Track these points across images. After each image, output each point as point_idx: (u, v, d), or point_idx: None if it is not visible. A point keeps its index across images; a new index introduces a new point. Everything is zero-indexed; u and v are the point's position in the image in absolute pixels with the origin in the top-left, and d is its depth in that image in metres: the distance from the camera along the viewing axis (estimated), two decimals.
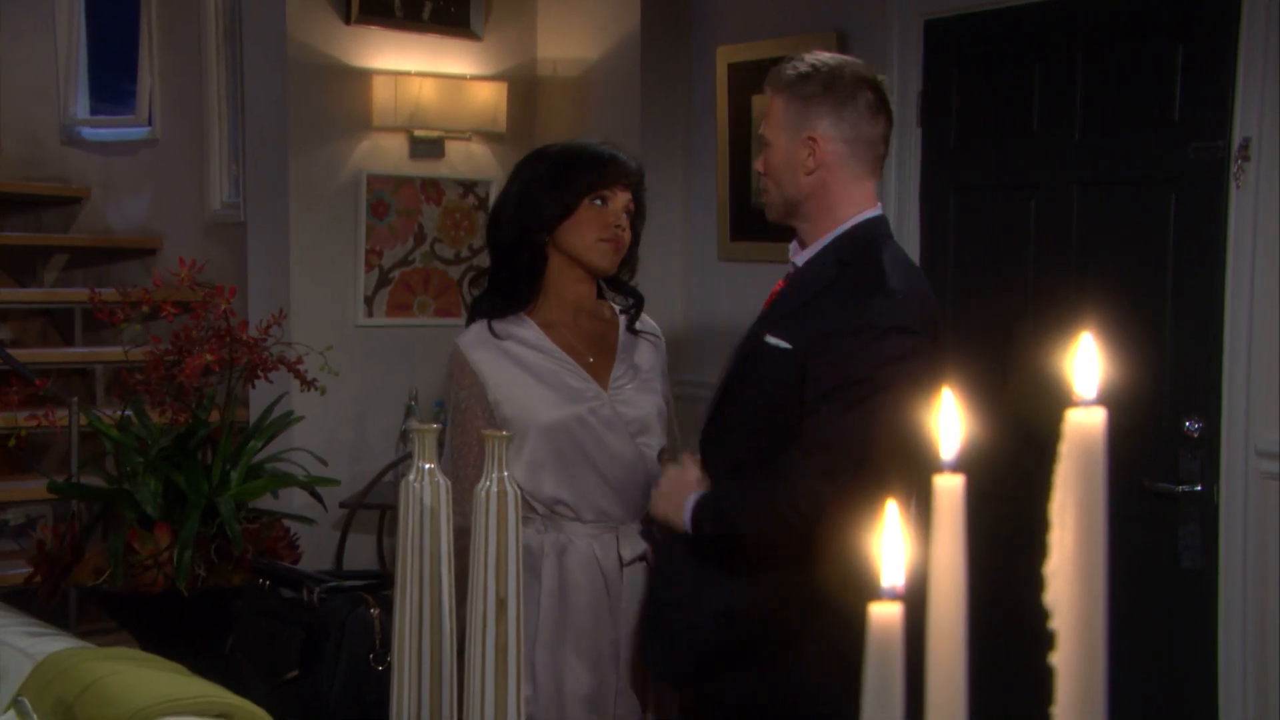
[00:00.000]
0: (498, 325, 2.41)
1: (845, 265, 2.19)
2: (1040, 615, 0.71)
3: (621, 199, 2.42)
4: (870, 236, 2.22)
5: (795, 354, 2.14)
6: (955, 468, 0.76)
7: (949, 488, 0.76)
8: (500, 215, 2.45)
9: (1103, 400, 0.72)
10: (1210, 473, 3.02)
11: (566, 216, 2.39)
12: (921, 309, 2.18)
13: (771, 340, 2.18)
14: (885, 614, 0.72)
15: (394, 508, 4.49)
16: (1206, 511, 3.02)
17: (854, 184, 2.23)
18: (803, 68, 2.21)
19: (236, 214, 5.39)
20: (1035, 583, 0.71)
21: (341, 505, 4.18)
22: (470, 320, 2.49)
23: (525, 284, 2.43)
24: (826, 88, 2.19)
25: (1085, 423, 0.70)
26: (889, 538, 0.73)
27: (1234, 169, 2.96)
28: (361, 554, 4.53)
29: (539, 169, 2.42)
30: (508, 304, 2.43)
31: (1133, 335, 3.10)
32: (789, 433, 2.13)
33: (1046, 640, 0.70)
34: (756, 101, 4.15)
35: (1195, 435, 3.02)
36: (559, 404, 2.38)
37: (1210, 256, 3.01)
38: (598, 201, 2.40)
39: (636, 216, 2.46)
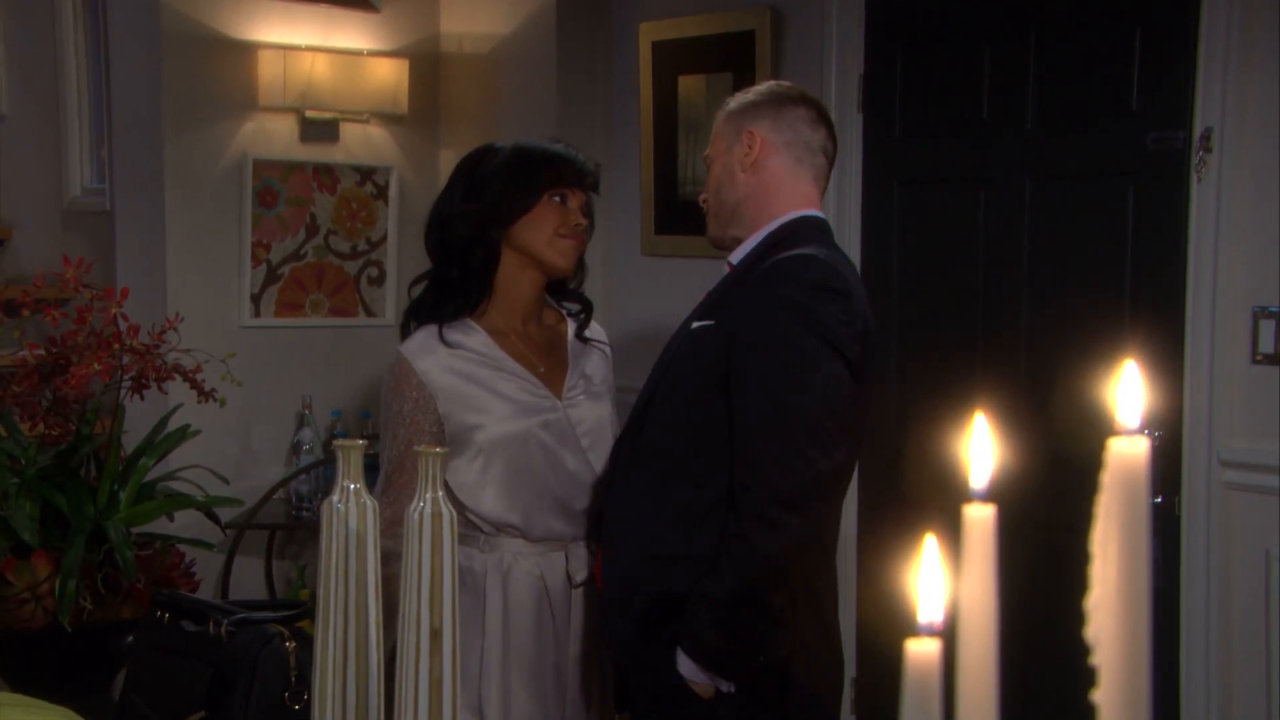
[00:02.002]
0: (447, 333, 2.44)
1: (771, 246, 2.31)
2: (1080, 651, 0.75)
3: (578, 199, 2.48)
4: (804, 226, 2.34)
5: (720, 329, 2.26)
6: (986, 497, 0.81)
7: (979, 518, 0.80)
8: (449, 213, 2.48)
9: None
10: (1171, 484, 3.12)
11: (526, 212, 2.44)
12: (852, 279, 2.30)
13: (698, 324, 2.31)
14: (923, 651, 0.76)
15: (285, 528, 4.50)
16: (1167, 525, 3.12)
17: (793, 183, 2.37)
18: (744, 95, 2.43)
19: (100, 201, 5.30)
20: (1074, 617, 0.76)
21: (228, 526, 4.13)
22: (407, 324, 2.52)
23: (476, 284, 2.46)
24: (766, 97, 2.41)
25: (1128, 452, 0.75)
26: (926, 571, 0.77)
27: (1195, 160, 3.07)
28: (248, 579, 4.49)
29: (494, 162, 2.46)
30: (457, 307, 2.46)
31: (1089, 337, 3.20)
32: (714, 416, 2.23)
33: (1087, 677, 0.75)
34: (682, 83, 4.20)
35: (1155, 443, 3.13)
36: (513, 417, 2.42)
37: (1170, 253, 3.12)
38: (557, 199, 2.45)
39: (587, 221, 2.52)
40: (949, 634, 0.79)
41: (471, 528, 2.44)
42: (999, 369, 3.42)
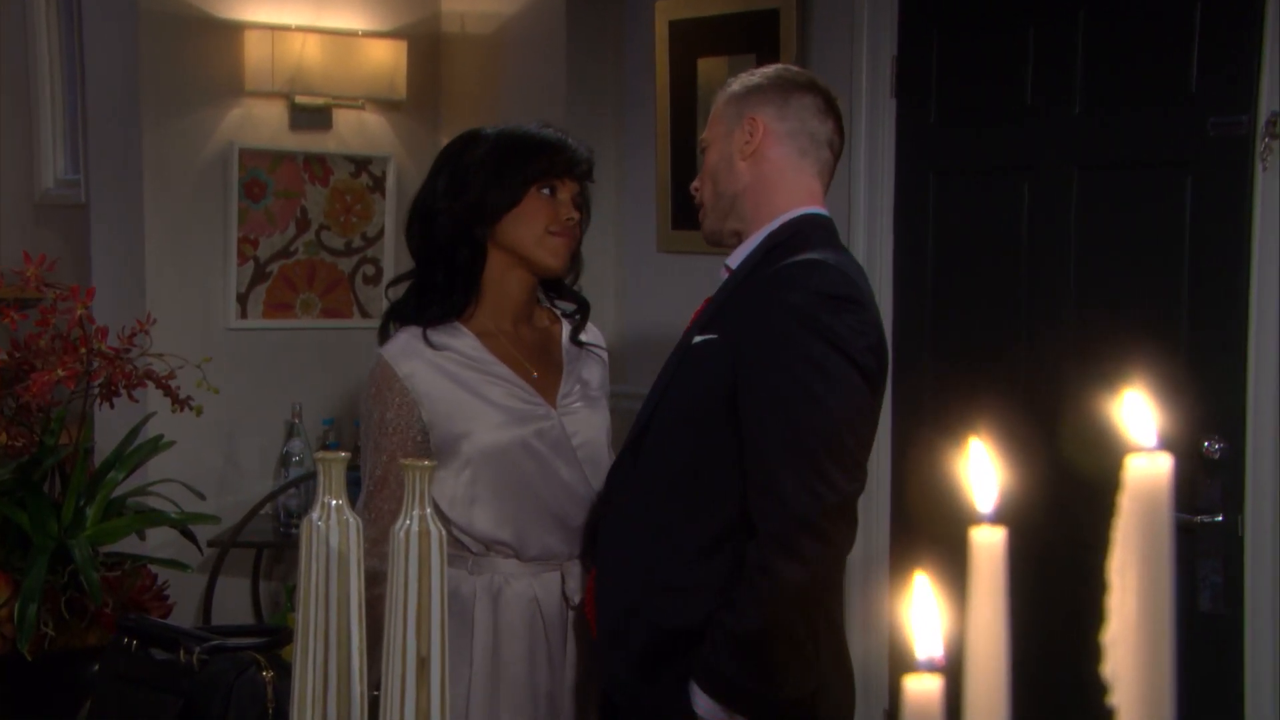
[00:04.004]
0: (432, 334, 2.44)
1: (773, 249, 2.31)
2: (1097, 689, 0.74)
3: (570, 190, 2.47)
4: (806, 226, 2.34)
5: (723, 342, 2.26)
6: (995, 519, 0.79)
7: (988, 543, 0.79)
8: (431, 207, 2.48)
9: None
10: (1233, 501, 3.10)
11: (512, 207, 2.43)
12: (864, 285, 2.30)
13: (699, 339, 2.30)
14: (923, 690, 0.74)
15: (273, 546, 4.51)
16: (1229, 546, 3.10)
17: (796, 177, 2.37)
18: (749, 77, 2.42)
19: (75, 194, 5.33)
20: (1091, 652, 0.74)
21: (210, 544, 4.14)
22: (386, 327, 2.52)
23: (463, 286, 2.46)
24: (773, 81, 2.39)
25: (1149, 472, 0.74)
26: (922, 603, 0.76)
27: (1260, 148, 3.04)
28: (233, 601, 4.50)
29: (476, 153, 2.46)
30: (442, 310, 2.46)
31: (1143, 341, 3.17)
32: (721, 437, 2.24)
33: (1104, 718, 0.74)
34: (702, 66, 4.19)
35: (1216, 458, 3.10)
36: (503, 425, 2.42)
37: (1232, 249, 3.09)
38: (545, 191, 2.44)
39: (581, 214, 2.52)
40: (954, 669, 0.78)
41: (459, 547, 2.44)
42: (1043, 374, 3.40)
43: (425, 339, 2.45)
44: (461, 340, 2.47)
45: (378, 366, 2.46)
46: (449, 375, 2.44)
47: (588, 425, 2.51)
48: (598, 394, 2.57)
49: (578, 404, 2.52)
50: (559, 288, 2.59)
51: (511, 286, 2.50)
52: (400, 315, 2.51)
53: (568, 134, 2.52)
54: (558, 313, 2.62)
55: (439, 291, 2.48)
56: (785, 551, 2.15)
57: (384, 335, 2.52)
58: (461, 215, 2.44)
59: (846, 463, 2.18)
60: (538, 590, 2.45)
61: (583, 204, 2.52)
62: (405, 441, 2.40)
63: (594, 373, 2.59)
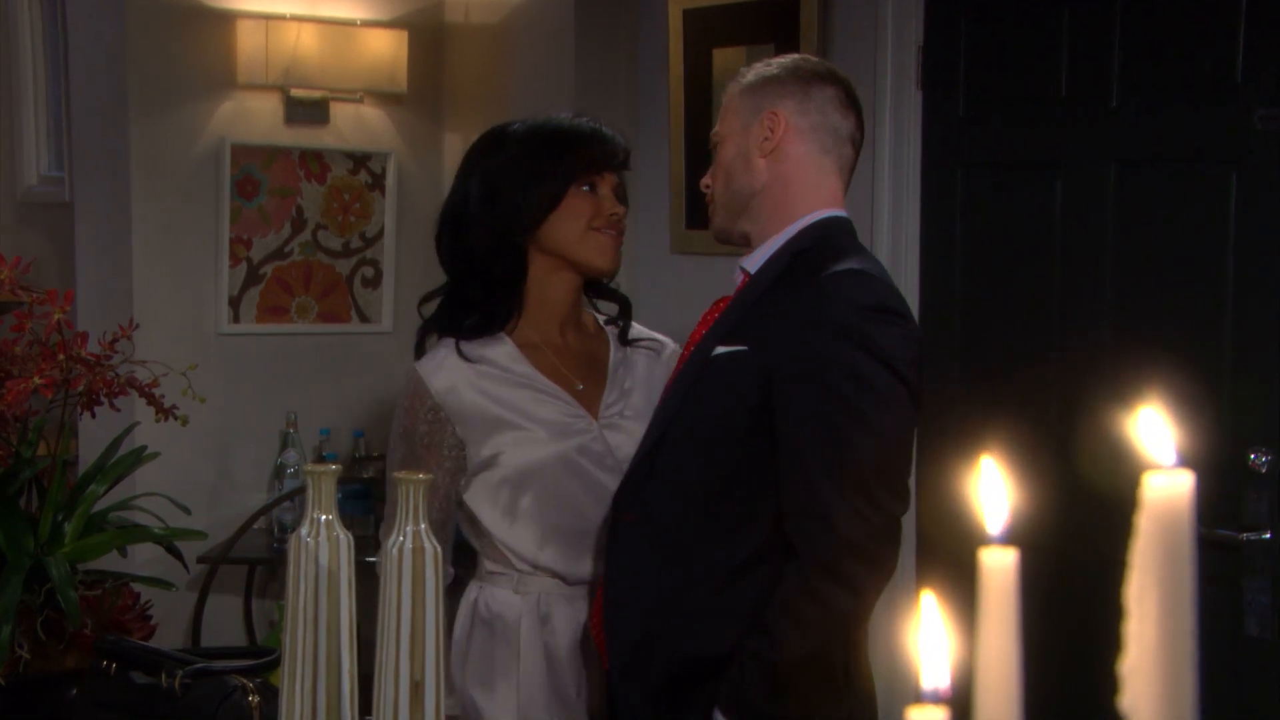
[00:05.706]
0: (466, 347, 2.42)
1: (799, 254, 2.29)
2: None
3: (610, 183, 2.45)
4: (832, 230, 2.33)
5: (753, 355, 2.24)
6: (1006, 541, 0.78)
7: (999, 566, 0.78)
8: (463, 216, 2.45)
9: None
10: None
11: (552, 209, 2.41)
12: (898, 295, 2.31)
13: (722, 350, 2.28)
14: None
15: (266, 562, 4.51)
16: (1278, 564, 3.08)
17: (817, 179, 2.35)
18: (764, 67, 2.40)
19: (59, 192, 5.35)
20: (1108, 683, 0.73)
21: (199, 561, 4.15)
22: (423, 341, 2.51)
23: (503, 300, 2.45)
24: (791, 73, 2.36)
25: (1168, 491, 0.73)
26: (928, 631, 0.75)
27: None
28: (224, 621, 4.51)
29: (507, 153, 2.43)
30: (480, 325, 2.44)
31: (1184, 348, 3.16)
32: (750, 456, 2.23)
33: None
34: (718, 56, 4.19)
35: (1263, 470, 3.08)
36: (543, 441, 2.41)
37: (1279, 250, 3.08)
38: (585, 188, 2.42)
39: (624, 207, 2.50)
40: (965, 699, 0.77)
41: (503, 564, 2.43)
42: (1077, 382, 3.38)
43: (460, 352, 2.43)
44: (501, 352, 2.45)
45: (411, 381, 2.45)
46: (486, 390, 2.42)
47: (633, 437, 2.46)
48: (649, 400, 2.50)
49: (622, 414, 2.49)
50: (598, 287, 2.56)
51: (556, 291, 2.47)
52: (438, 328, 2.49)
53: (601, 122, 2.50)
54: (602, 319, 2.60)
55: (476, 306, 2.46)
56: (834, 578, 2.15)
57: (421, 349, 2.51)
58: (498, 223, 2.41)
59: (894, 484, 2.17)
60: (591, 613, 2.44)
61: (623, 195, 2.50)
62: (440, 459, 2.40)
63: (642, 380, 2.54)
